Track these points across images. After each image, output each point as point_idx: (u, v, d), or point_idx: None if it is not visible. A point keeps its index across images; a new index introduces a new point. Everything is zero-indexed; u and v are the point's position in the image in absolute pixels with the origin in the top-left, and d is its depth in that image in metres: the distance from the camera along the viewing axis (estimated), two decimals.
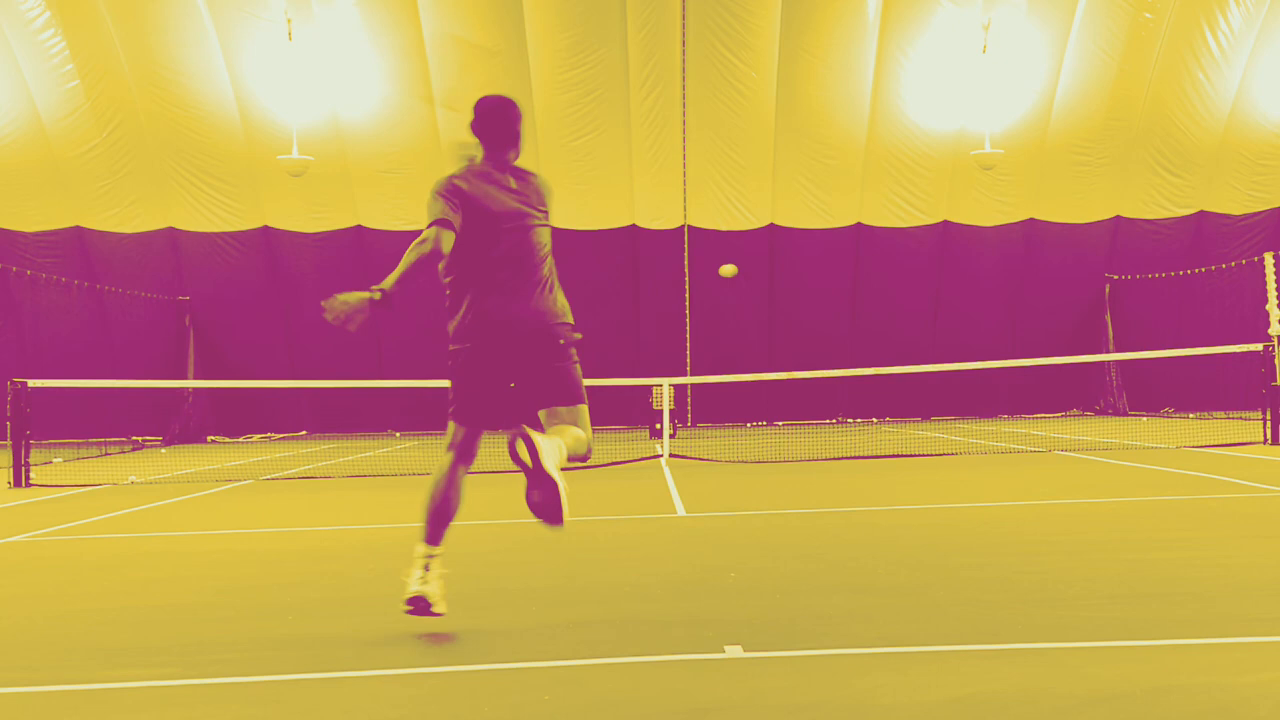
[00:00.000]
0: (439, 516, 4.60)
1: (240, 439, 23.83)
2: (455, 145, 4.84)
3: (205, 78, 22.33)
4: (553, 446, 4.26)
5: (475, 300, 4.61)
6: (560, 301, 4.73)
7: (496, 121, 4.78)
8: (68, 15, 21.67)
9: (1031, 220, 24.82)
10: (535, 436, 4.19)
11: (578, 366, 4.76)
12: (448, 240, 4.47)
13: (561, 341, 4.66)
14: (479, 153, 4.79)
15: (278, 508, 10.17)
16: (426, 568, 4.56)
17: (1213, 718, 3.24)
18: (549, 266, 4.75)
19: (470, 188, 4.62)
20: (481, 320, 4.58)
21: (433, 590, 4.54)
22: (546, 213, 4.82)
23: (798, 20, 22.27)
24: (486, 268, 4.60)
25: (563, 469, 4.29)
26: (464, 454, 4.66)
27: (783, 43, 22.47)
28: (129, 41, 21.92)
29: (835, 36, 22.57)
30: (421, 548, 4.59)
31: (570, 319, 4.77)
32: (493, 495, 10.82)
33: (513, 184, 4.73)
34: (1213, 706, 3.33)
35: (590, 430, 4.70)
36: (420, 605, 4.52)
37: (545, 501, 4.19)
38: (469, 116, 4.82)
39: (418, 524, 4.69)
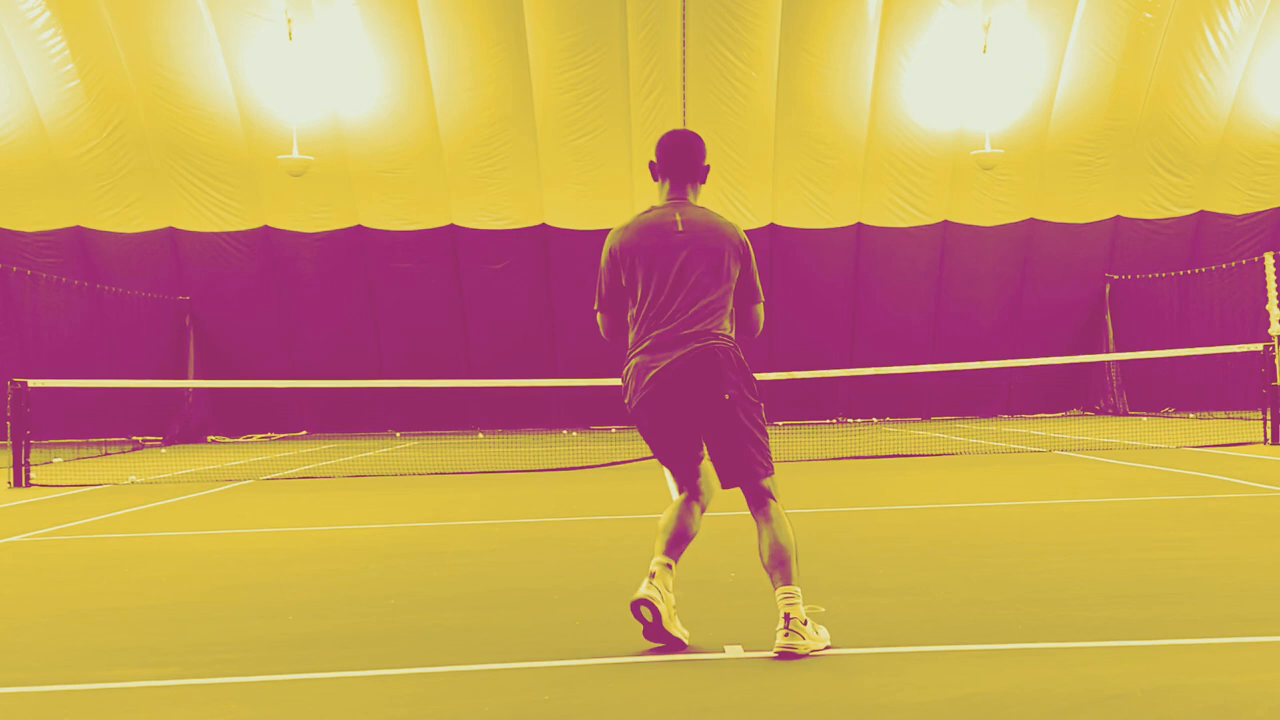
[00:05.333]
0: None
1: (240, 439, 23.82)
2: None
3: (205, 78, 22.32)
4: (807, 638, 4.09)
5: None
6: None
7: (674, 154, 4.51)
8: (68, 15, 21.65)
9: (1031, 220, 24.81)
10: (799, 649, 4.07)
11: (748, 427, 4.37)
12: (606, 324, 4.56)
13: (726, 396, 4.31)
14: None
15: (278, 508, 10.17)
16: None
17: (1213, 718, 3.25)
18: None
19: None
20: None
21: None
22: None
23: (798, 20, 22.26)
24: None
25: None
26: (687, 489, 4.59)
27: (783, 43, 22.45)
28: (129, 41, 21.90)
29: (835, 36, 22.55)
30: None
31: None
32: (492, 495, 10.82)
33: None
34: (1213, 706, 3.33)
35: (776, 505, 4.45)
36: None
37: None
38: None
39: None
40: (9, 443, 13.13)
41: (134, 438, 22.05)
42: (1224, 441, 14.52)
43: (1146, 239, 24.99)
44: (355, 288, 24.33)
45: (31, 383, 13.37)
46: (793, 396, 23.47)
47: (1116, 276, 25.02)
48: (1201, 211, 24.99)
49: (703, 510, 4.56)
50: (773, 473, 4.42)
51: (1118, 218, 24.99)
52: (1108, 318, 25.07)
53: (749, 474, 4.38)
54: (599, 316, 4.57)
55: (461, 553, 7.13)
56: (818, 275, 24.57)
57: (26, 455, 12.87)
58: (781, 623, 4.07)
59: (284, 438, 23.98)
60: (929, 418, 24.94)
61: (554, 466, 13.97)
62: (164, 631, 4.87)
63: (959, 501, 9.10)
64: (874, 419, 24.69)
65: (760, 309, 4.54)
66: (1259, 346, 14.78)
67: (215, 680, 4.00)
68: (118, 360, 22.94)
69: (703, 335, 4.26)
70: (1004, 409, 25.21)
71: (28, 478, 12.73)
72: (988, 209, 24.62)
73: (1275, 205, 25.10)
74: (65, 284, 22.25)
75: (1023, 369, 20.01)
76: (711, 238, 4.35)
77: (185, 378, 23.17)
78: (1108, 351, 23.85)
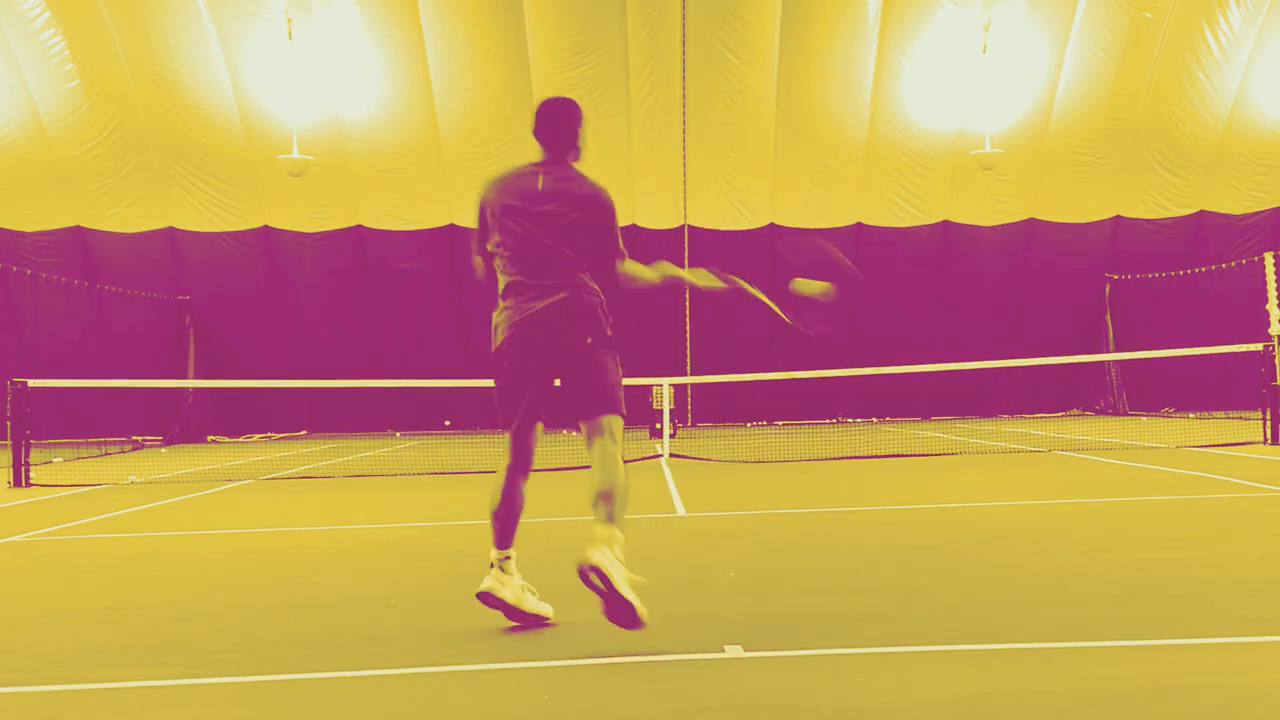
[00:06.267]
0: (502, 520, 4.75)
1: (240, 439, 23.82)
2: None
3: (205, 77, 22.33)
4: (613, 564, 4.17)
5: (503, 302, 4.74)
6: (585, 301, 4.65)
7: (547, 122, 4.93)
8: (68, 15, 21.66)
9: (1031, 220, 24.81)
10: (602, 565, 4.13)
11: (610, 368, 4.67)
12: (479, 266, 4.82)
13: (588, 340, 4.62)
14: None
15: (278, 508, 10.17)
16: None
17: (1213, 718, 3.24)
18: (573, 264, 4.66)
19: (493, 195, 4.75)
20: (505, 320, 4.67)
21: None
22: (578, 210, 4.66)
23: (798, 20, 22.26)
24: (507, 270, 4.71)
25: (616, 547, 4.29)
26: (518, 457, 4.78)
27: (783, 43, 22.46)
28: (129, 41, 21.91)
29: (835, 36, 22.56)
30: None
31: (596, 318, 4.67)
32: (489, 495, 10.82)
33: (541, 183, 4.71)
34: (1213, 706, 3.33)
35: (620, 442, 4.62)
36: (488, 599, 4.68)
37: (623, 618, 4.19)
38: None
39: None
40: (9, 443, 13.13)
41: (134, 438, 22.05)
42: (1224, 441, 14.51)
43: (1146, 239, 24.99)
44: (355, 288, 24.34)
45: (31, 383, 13.37)
46: (793, 396, 23.48)
47: (1116, 276, 25.02)
48: (1201, 211, 25.00)
49: (525, 481, 4.85)
50: (623, 415, 4.66)
51: (1118, 218, 24.99)
52: (1108, 318, 25.07)
53: (608, 404, 4.60)
54: (476, 259, 4.86)
55: (461, 552, 7.12)
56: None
57: (26, 455, 12.87)
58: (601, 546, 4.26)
59: (284, 438, 23.98)
60: (929, 418, 24.94)
61: (554, 466, 13.96)
62: (163, 632, 4.86)
63: (959, 501, 9.09)
64: (874, 419, 24.69)
65: (624, 264, 4.73)
66: (1259, 346, 14.77)
67: (214, 680, 4.00)
68: (118, 360, 22.95)
69: (561, 286, 4.58)
70: (1004, 409, 25.21)
71: (28, 478, 12.73)
72: (988, 209, 24.63)
73: (1275, 205, 25.11)
74: (65, 284, 22.26)
75: (1023, 369, 20.02)
76: (567, 197, 4.65)
77: (185, 378, 23.17)
78: (1108, 351, 23.85)
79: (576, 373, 4.63)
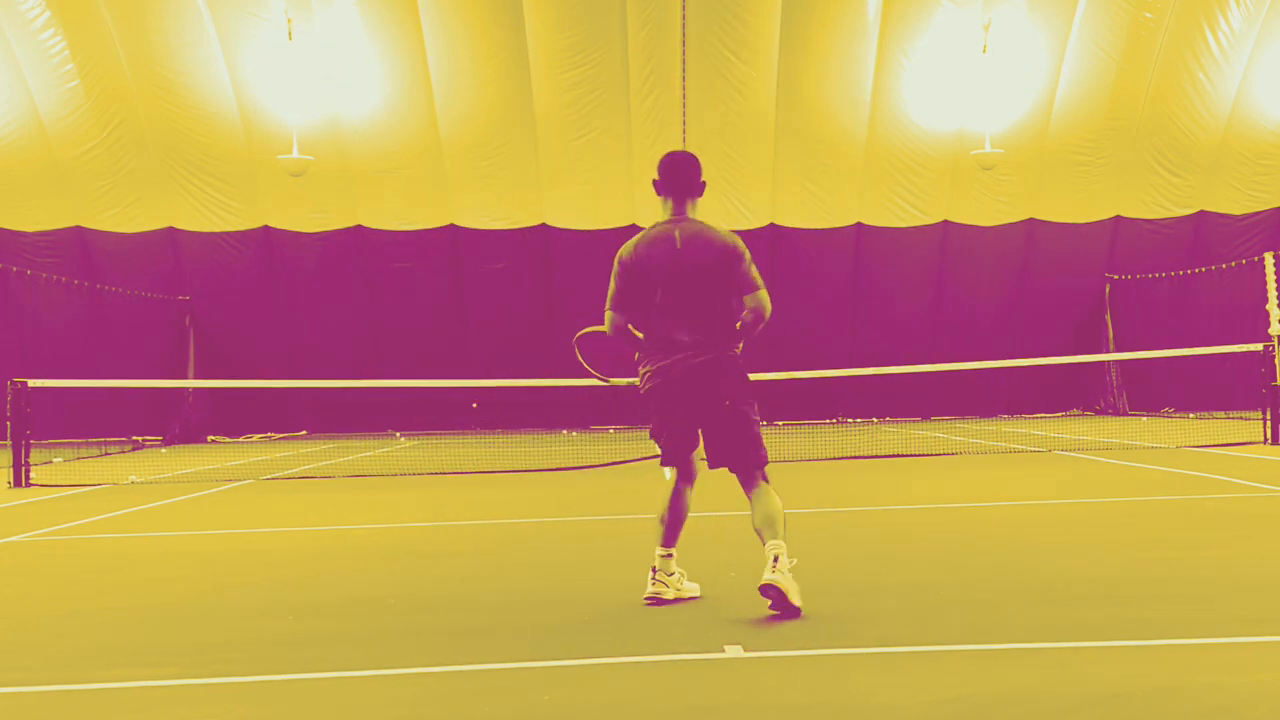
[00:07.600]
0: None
1: (240, 439, 23.81)
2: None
3: (205, 77, 22.31)
4: (788, 580, 4.79)
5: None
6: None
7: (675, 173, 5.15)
8: (68, 15, 21.65)
9: (1031, 220, 24.80)
10: (781, 584, 4.72)
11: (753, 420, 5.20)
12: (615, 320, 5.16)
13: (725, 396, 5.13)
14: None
15: (278, 508, 10.18)
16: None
17: (1213, 718, 3.24)
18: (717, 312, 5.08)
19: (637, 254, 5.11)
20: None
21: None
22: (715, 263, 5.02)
23: (798, 20, 22.24)
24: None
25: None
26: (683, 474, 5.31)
27: (783, 43, 22.44)
28: (129, 41, 21.90)
29: (835, 36, 22.54)
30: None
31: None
32: (492, 495, 10.83)
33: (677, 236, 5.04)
34: (1213, 706, 3.33)
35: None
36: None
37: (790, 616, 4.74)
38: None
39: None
40: (9, 443, 13.13)
41: (134, 438, 22.04)
42: (1224, 441, 14.52)
43: (1146, 239, 24.98)
44: (355, 288, 24.33)
45: (31, 383, 13.37)
46: (793, 396, 23.43)
47: (1116, 276, 25.01)
48: (1201, 211, 24.98)
49: (690, 489, 5.40)
50: (767, 458, 5.31)
51: (1118, 218, 24.98)
52: (1108, 318, 25.06)
53: (748, 460, 5.21)
54: (610, 315, 5.15)
55: (461, 553, 7.13)
56: (818, 275, 24.56)
57: (26, 455, 12.87)
58: (770, 563, 4.81)
59: (284, 438, 23.98)
60: (929, 418, 24.93)
61: (554, 466, 13.98)
62: (164, 631, 4.87)
63: (959, 501, 9.10)
64: (874, 419, 24.68)
65: (759, 295, 5.01)
66: (1259, 346, 14.78)
67: (215, 680, 4.00)
68: (118, 360, 22.93)
69: (703, 342, 5.00)
70: (1004, 409, 25.20)
71: (28, 478, 12.73)
72: (988, 209, 24.61)
73: (1275, 205, 25.09)
74: (65, 284, 22.25)
75: (1023, 369, 20.00)
76: (704, 249, 4.98)
77: (185, 378, 23.15)
78: (1108, 351, 23.85)
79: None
